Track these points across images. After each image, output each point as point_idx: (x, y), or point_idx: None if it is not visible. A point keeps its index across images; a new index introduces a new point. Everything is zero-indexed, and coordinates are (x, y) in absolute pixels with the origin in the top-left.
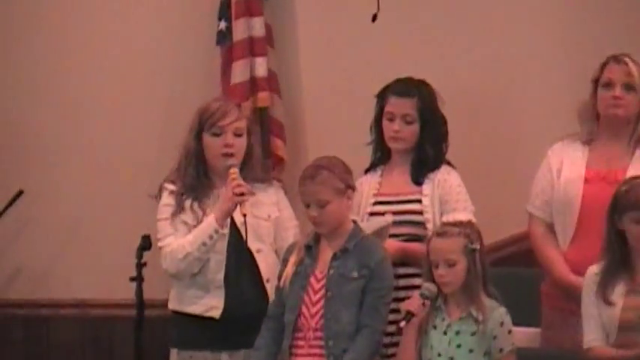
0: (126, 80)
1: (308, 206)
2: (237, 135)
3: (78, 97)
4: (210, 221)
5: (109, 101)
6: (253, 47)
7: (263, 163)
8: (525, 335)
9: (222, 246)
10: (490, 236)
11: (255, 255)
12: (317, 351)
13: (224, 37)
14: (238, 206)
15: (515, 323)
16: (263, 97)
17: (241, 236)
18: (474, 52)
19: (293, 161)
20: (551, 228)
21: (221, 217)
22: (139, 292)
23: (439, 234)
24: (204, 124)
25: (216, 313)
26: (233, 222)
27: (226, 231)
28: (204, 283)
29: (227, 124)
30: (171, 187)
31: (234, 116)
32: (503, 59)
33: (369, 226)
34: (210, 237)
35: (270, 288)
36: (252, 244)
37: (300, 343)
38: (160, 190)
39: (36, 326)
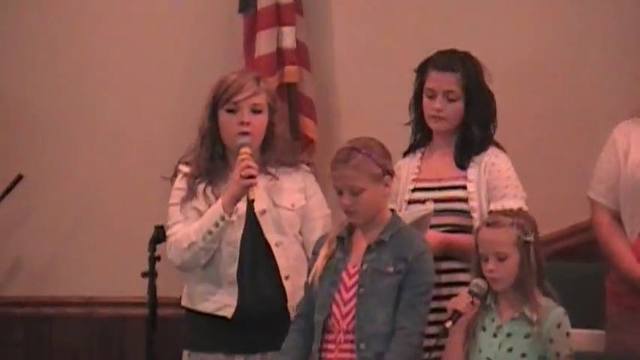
0: (139, 52)
1: (341, 193)
2: (255, 111)
3: (84, 70)
4: (216, 207)
5: (119, 75)
6: (280, 15)
7: (291, 144)
8: (587, 338)
9: (236, 236)
10: (546, 227)
11: (274, 249)
12: (348, 355)
13: (247, 4)
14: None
15: (576, 325)
16: (291, 72)
17: (259, 226)
18: (527, 19)
19: (324, 143)
20: (617, 216)
21: (228, 202)
22: (152, 288)
23: (489, 224)
24: (219, 99)
25: (229, 312)
26: (251, 209)
27: (234, 218)
28: (215, 278)
29: (242, 99)
30: (185, 169)
31: (250, 90)
32: (562, 27)
33: (407, 215)
34: (216, 224)
35: (291, 285)
36: (271, 237)
37: (330, 346)
38: (175, 171)
39: (38, 326)
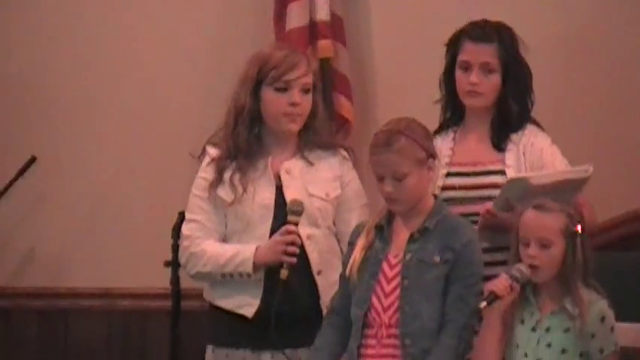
0: (162, 26)
1: (382, 180)
2: (305, 91)
3: (103, 44)
4: (246, 257)
5: (141, 52)
6: None
7: (328, 125)
8: (638, 333)
9: (264, 229)
10: (602, 213)
11: (305, 242)
12: (391, 351)
13: None
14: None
15: (627, 319)
16: (325, 47)
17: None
18: None
19: (360, 123)
20: None
21: (260, 265)
22: (176, 279)
23: (536, 206)
24: (266, 76)
25: (249, 312)
26: (280, 196)
27: (264, 212)
28: None
29: (294, 78)
30: (213, 151)
31: (302, 69)
32: None
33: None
34: (240, 275)
35: (324, 280)
36: (303, 229)
37: (371, 342)
38: (203, 152)
39: (53, 320)
